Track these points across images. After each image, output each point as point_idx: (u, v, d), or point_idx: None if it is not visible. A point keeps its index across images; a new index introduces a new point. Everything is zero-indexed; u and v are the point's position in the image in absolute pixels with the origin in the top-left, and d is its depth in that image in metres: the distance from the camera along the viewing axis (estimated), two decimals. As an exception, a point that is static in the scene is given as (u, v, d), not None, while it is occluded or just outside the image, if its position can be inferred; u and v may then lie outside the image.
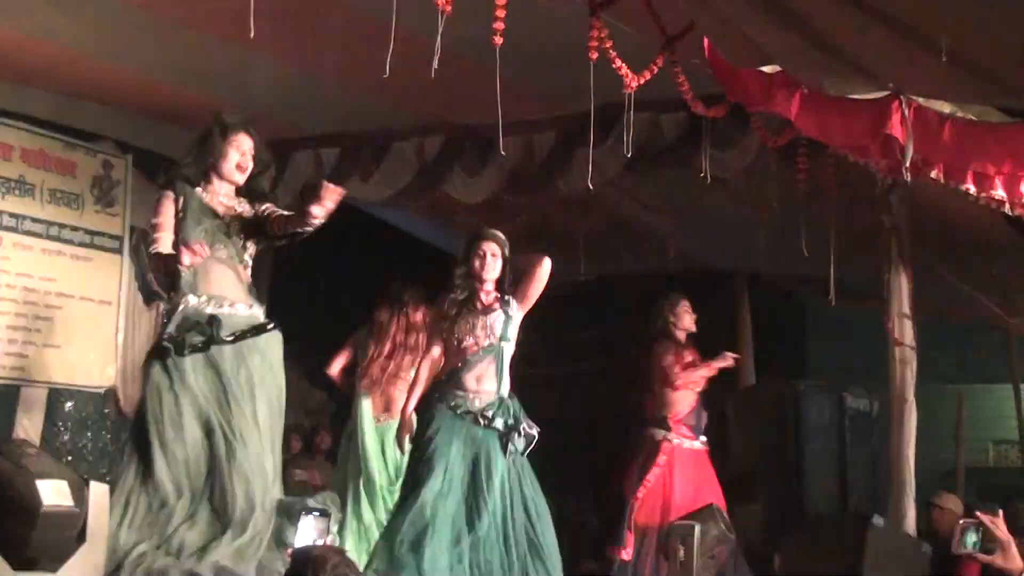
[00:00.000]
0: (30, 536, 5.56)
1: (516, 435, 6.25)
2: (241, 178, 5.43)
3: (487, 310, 6.19)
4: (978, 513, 4.35)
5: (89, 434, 8.09)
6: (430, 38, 4.42)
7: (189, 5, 6.26)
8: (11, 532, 5.56)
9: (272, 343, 5.33)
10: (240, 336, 5.18)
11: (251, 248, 5.43)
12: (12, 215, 7.68)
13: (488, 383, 6.19)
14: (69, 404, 8.00)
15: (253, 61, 6.82)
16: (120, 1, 6.26)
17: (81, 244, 8.08)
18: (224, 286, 5.30)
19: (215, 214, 5.34)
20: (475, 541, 5.80)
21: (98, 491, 6.10)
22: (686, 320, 7.94)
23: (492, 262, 6.17)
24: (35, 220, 7.81)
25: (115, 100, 7.99)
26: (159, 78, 7.47)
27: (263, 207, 5.43)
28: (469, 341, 6.14)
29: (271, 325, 5.31)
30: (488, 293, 6.24)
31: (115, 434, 8.23)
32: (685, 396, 7.85)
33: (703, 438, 7.88)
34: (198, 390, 5.12)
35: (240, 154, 5.39)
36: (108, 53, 7.06)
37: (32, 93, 7.69)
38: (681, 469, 7.72)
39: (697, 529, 7.33)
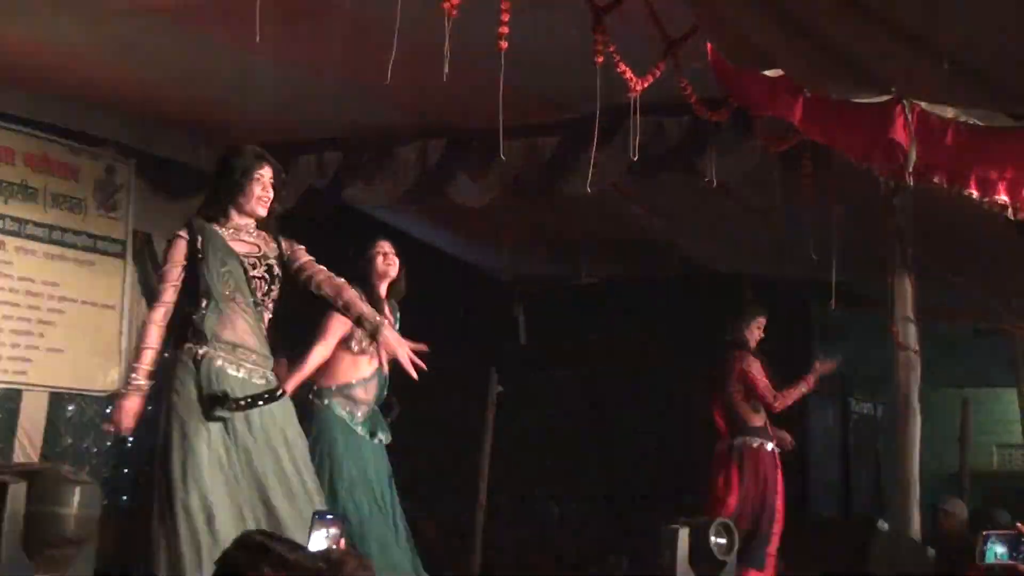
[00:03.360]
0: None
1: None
2: (263, 212, 5.31)
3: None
4: (1020, 525, 4.37)
5: (90, 439, 8.09)
6: (433, 41, 4.41)
7: (192, 8, 6.25)
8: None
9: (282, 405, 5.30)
10: (251, 404, 5.13)
11: (275, 293, 5.32)
12: (14, 219, 7.66)
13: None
14: (71, 408, 8.00)
15: (256, 64, 6.82)
16: (123, 4, 6.25)
17: (84, 248, 8.06)
18: (245, 337, 5.21)
19: (239, 254, 5.23)
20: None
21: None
22: (758, 335, 8.07)
23: (393, 261, 6.32)
24: (38, 224, 7.79)
25: (118, 104, 7.99)
26: (162, 82, 7.47)
27: (299, 260, 5.33)
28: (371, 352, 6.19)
29: (280, 392, 5.26)
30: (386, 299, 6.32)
31: (117, 438, 8.23)
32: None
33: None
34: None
35: (261, 187, 5.26)
36: (111, 56, 7.05)
37: (34, 97, 7.69)
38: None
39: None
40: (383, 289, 6.36)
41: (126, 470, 8.24)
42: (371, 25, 5.68)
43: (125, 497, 8.21)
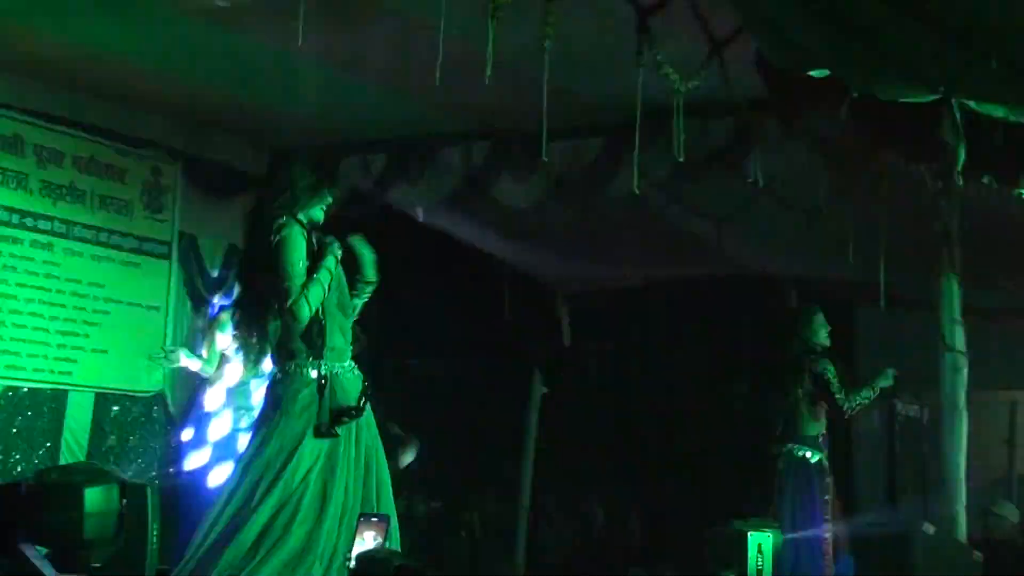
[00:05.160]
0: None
1: None
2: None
3: None
4: None
5: (135, 438, 8.14)
6: (477, 44, 4.41)
7: (238, 12, 6.28)
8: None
9: None
10: (366, 403, 5.19)
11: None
12: (63, 221, 7.74)
13: None
14: (116, 408, 8.05)
15: (302, 67, 6.85)
16: (170, 9, 6.29)
17: (130, 250, 8.13)
18: (344, 342, 5.28)
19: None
20: None
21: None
22: (824, 334, 7.86)
23: None
24: (85, 226, 7.87)
25: (165, 107, 8.03)
26: (209, 85, 7.50)
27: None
28: None
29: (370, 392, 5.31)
30: None
31: (162, 438, 8.28)
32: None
33: None
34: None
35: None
36: (158, 61, 7.10)
37: (83, 100, 7.75)
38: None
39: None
40: None
41: (171, 469, 8.29)
42: (416, 28, 5.70)
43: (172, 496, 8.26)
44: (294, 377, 5.14)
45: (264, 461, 5.07)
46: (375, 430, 5.34)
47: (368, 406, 5.25)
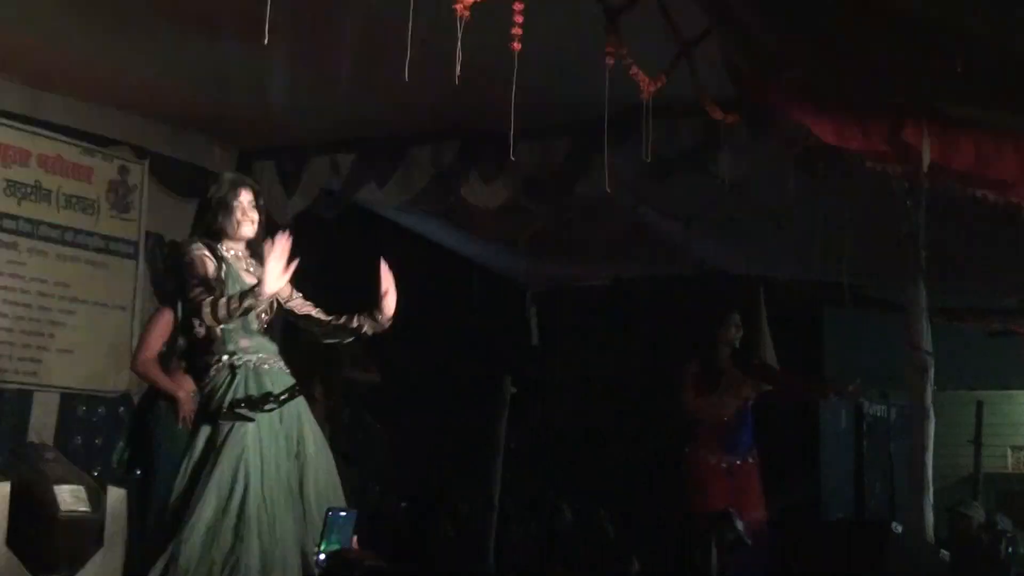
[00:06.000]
0: (48, 541, 5.56)
1: None
2: (251, 231, 5.27)
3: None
4: None
5: (102, 439, 8.09)
6: (446, 43, 4.40)
7: (204, 10, 6.25)
8: (29, 537, 5.57)
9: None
10: (291, 396, 5.14)
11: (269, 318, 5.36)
12: (28, 220, 7.68)
13: None
14: (82, 408, 8.00)
15: (270, 66, 6.82)
16: (136, 6, 6.26)
17: (96, 249, 8.08)
18: (262, 342, 5.22)
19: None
20: None
21: (115, 496, 6.13)
22: (729, 333, 7.88)
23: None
24: (51, 225, 7.81)
25: (132, 105, 7.99)
26: (176, 83, 7.47)
27: (292, 297, 5.29)
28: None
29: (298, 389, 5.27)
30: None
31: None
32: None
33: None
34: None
35: (241, 212, 5.13)
36: (124, 58, 7.06)
37: (49, 98, 7.70)
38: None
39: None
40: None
41: (138, 471, 8.24)
42: (384, 27, 5.68)
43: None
44: (212, 382, 5.13)
45: (194, 455, 5.06)
46: (307, 430, 5.27)
47: (302, 415, 5.19)
